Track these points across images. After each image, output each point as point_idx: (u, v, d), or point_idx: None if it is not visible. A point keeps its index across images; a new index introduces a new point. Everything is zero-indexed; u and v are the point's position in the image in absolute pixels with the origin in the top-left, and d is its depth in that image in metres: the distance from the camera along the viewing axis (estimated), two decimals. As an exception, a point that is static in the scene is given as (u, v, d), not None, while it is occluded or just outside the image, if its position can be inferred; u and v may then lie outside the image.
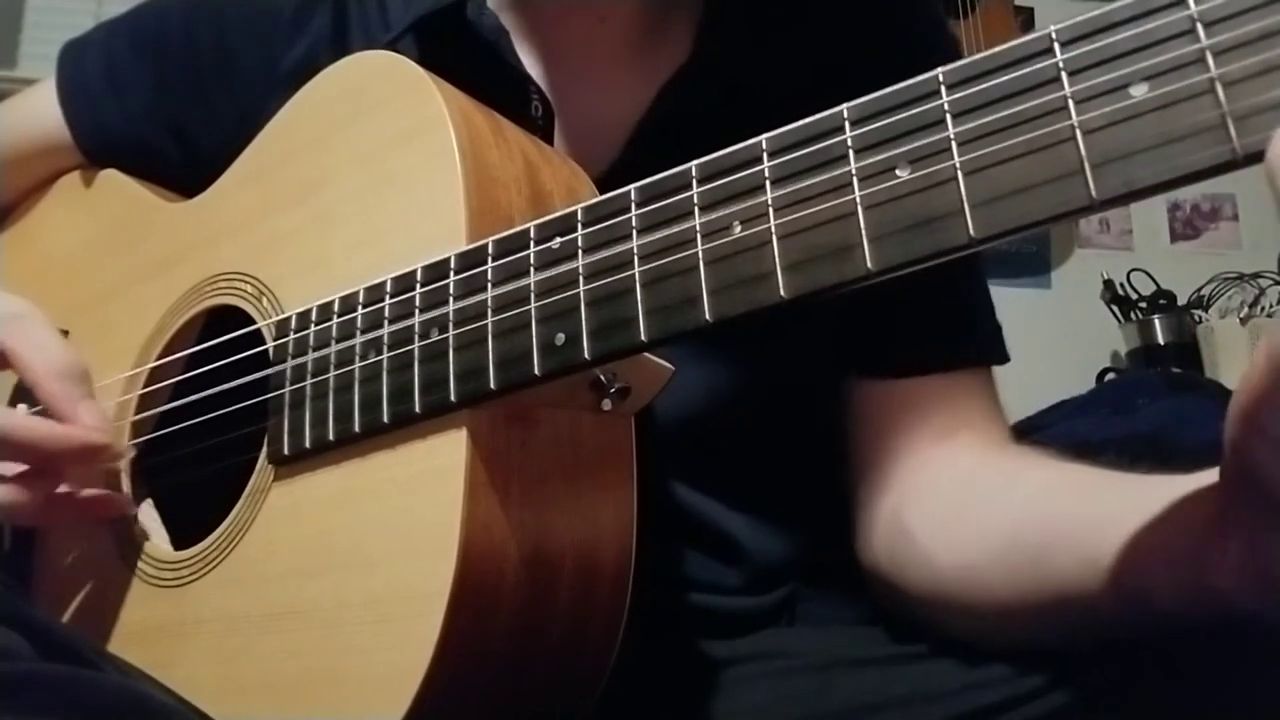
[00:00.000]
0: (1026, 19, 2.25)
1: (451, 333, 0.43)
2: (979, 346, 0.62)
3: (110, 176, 0.71)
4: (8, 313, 0.54)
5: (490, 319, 0.42)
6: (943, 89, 0.31)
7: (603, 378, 0.44)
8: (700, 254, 0.35)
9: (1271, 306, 2.01)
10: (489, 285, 0.42)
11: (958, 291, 0.61)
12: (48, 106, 0.71)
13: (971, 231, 0.30)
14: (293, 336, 0.50)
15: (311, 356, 0.49)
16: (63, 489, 0.54)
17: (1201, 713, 0.41)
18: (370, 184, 0.50)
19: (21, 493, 0.52)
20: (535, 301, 0.41)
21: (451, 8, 0.58)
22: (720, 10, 0.59)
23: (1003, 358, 0.63)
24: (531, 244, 0.42)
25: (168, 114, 0.68)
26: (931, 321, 0.60)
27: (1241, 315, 1.99)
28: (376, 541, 0.45)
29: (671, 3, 0.60)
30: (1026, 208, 0.29)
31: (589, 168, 0.53)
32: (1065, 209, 0.29)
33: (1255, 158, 0.26)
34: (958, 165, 0.30)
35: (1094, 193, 0.28)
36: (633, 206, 0.38)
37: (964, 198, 0.30)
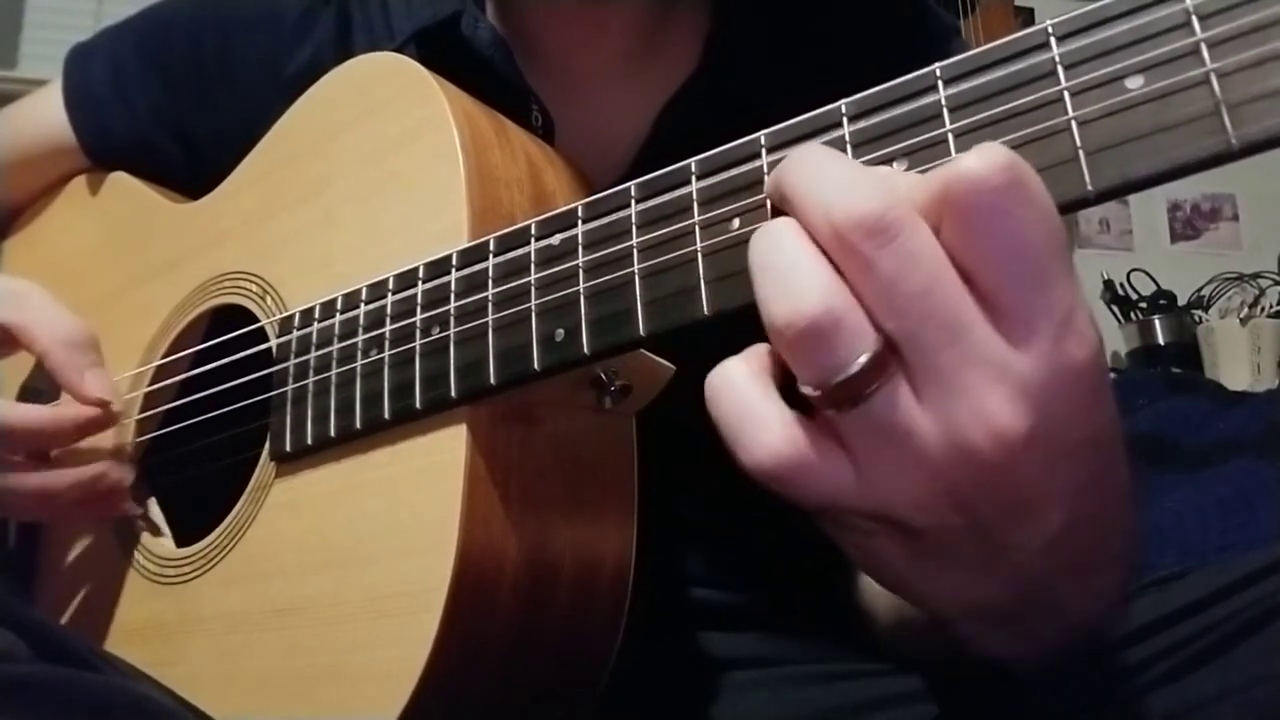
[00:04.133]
0: (1026, 18, 2.26)
1: (452, 329, 0.43)
2: None
3: (118, 179, 0.71)
4: (10, 291, 0.55)
5: (491, 315, 0.42)
6: (940, 83, 0.32)
7: (603, 376, 0.44)
8: (699, 249, 0.35)
9: (1272, 307, 2.01)
10: (490, 281, 0.43)
11: None
12: (54, 110, 0.72)
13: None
14: (295, 334, 0.50)
15: (314, 354, 0.49)
16: (62, 479, 0.55)
17: None
18: (373, 183, 0.51)
19: (20, 480, 0.52)
20: (535, 297, 0.41)
21: (448, 20, 0.58)
22: (730, 23, 0.58)
23: None
24: (532, 240, 0.42)
25: (173, 118, 0.69)
26: None
27: (1241, 315, 2.00)
28: (376, 538, 0.45)
29: (673, 13, 0.60)
30: (1023, 200, 0.29)
31: (594, 180, 0.52)
32: (1062, 200, 0.29)
33: (1251, 149, 0.27)
34: (955, 159, 0.30)
35: (1090, 184, 0.28)
36: (633, 202, 0.39)
37: (961, 191, 0.30)
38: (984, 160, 0.27)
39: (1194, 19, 0.27)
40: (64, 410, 0.54)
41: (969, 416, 0.28)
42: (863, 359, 0.29)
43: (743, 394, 0.31)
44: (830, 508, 0.32)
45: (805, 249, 0.29)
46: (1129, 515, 0.36)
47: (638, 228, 0.38)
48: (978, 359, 0.28)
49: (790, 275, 0.29)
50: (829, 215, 0.29)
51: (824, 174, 0.30)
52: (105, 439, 0.59)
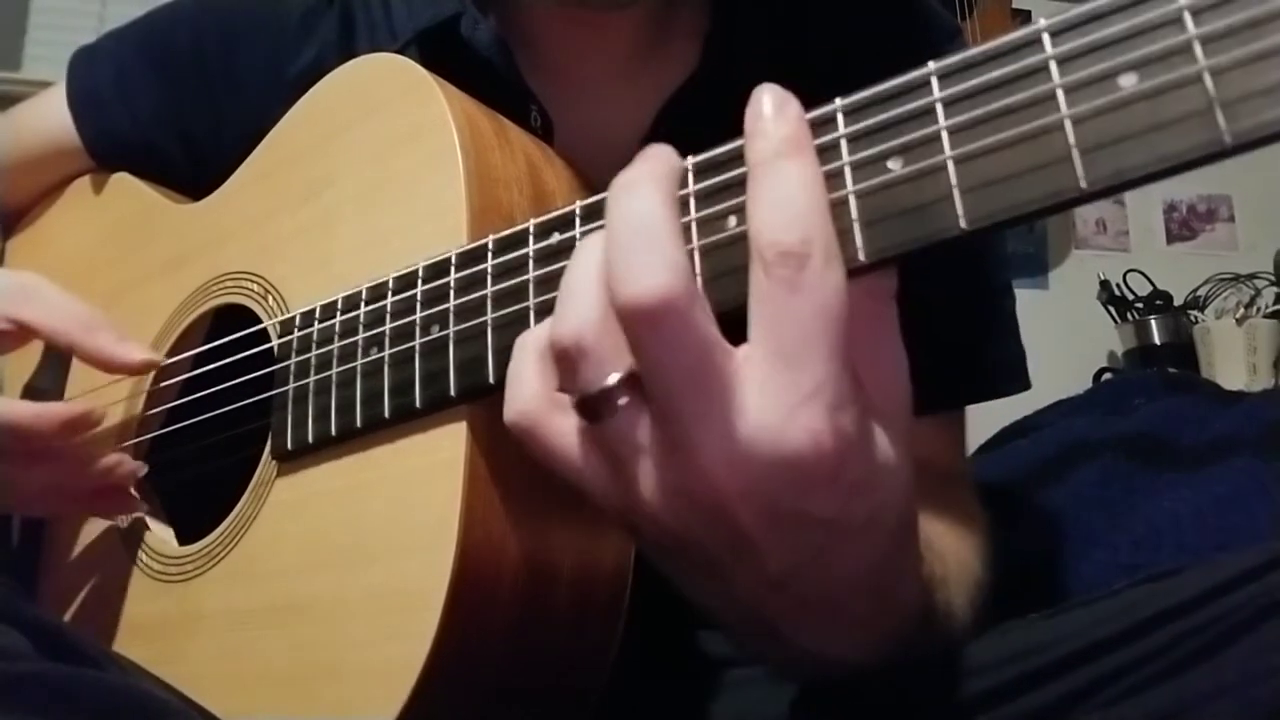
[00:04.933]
0: (1024, 20, 2.26)
1: (452, 328, 0.44)
2: (974, 383, 0.63)
3: (121, 179, 0.71)
4: (16, 285, 0.55)
5: (489, 314, 0.42)
6: (934, 81, 0.32)
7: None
8: (696, 247, 0.36)
9: (1268, 307, 2.01)
10: (489, 281, 0.43)
11: (970, 326, 0.62)
12: (57, 111, 0.72)
13: (962, 221, 0.30)
14: (296, 334, 0.51)
15: (315, 353, 0.49)
16: (67, 485, 0.55)
17: None
18: (374, 184, 0.51)
19: (25, 480, 0.52)
20: (533, 296, 0.41)
21: (448, 21, 0.58)
22: (729, 23, 0.58)
23: (1014, 387, 0.64)
24: (531, 240, 0.42)
25: (176, 120, 0.69)
26: (942, 358, 0.55)
27: (1237, 316, 2.00)
28: (377, 536, 0.45)
29: (673, 14, 0.60)
30: (1017, 197, 0.29)
31: (593, 180, 0.53)
32: (1056, 199, 0.29)
33: (1245, 146, 0.27)
34: (949, 156, 0.31)
35: (1083, 182, 0.29)
36: (631, 201, 0.39)
37: (955, 187, 0.30)
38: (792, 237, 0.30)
39: (1187, 16, 0.27)
40: (53, 407, 0.53)
41: (689, 464, 0.31)
42: (602, 385, 0.32)
43: (520, 356, 0.36)
44: (568, 481, 0.35)
45: (592, 278, 0.32)
46: (889, 582, 0.38)
47: (636, 226, 0.38)
48: (712, 421, 0.31)
49: (567, 296, 0.33)
50: (615, 284, 0.31)
51: (629, 236, 0.31)
52: (109, 438, 0.59)
